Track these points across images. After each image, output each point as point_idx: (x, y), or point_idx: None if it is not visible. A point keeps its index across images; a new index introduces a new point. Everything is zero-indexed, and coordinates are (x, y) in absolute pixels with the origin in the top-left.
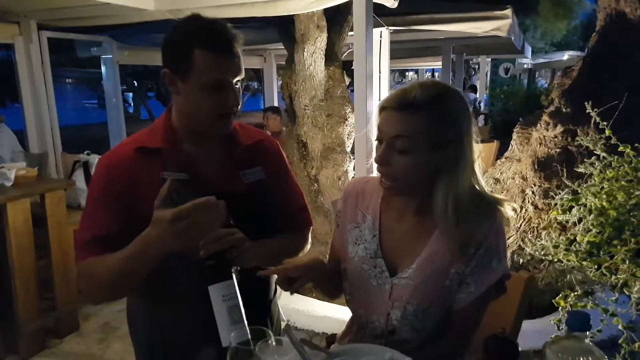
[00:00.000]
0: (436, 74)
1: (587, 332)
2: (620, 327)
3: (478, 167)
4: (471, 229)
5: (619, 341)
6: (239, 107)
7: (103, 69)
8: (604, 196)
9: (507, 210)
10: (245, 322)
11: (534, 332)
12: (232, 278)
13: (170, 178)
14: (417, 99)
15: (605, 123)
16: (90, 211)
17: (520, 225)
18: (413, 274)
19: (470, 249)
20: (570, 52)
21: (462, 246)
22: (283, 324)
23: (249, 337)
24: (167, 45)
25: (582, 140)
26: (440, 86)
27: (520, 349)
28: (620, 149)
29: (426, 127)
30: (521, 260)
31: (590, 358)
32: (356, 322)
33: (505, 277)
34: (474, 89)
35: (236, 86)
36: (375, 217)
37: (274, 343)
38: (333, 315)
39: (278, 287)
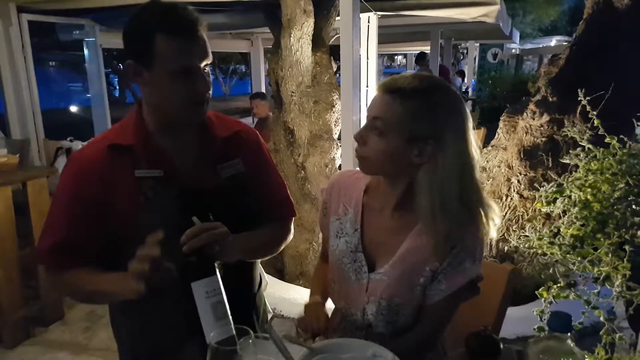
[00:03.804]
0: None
1: (569, 334)
2: (601, 318)
3: (475, 171)
4: (451, 228)
5: (600, 333)
6: (210, 92)
7: (86, 52)
8: (589, 190)
9: (491, 217)
10: (230, 317)
11: (518, 319)
12: (215, 274)
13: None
14: (404, 87)
15: (595, 113)
16: (57, 216)
17: (506, 213)
18: (388, 271)
19: (446, 246)
20: (558, 37)
21: (439, 243)
22: (269, 315)
23: (234, 333)
24: (127, 35)
25: (569, 131)
26: (433, 81)
27: (503, 336)
28: (607, 140)
29: (406, 116)
30: (506, 248)
31: (571, 359)
32: (338, 314)
33: (478, 278)
34: (462, 74)
35: (205, 71)
36: (358, 211)
37: (254, 343)
38: None
39: (263, 279)
